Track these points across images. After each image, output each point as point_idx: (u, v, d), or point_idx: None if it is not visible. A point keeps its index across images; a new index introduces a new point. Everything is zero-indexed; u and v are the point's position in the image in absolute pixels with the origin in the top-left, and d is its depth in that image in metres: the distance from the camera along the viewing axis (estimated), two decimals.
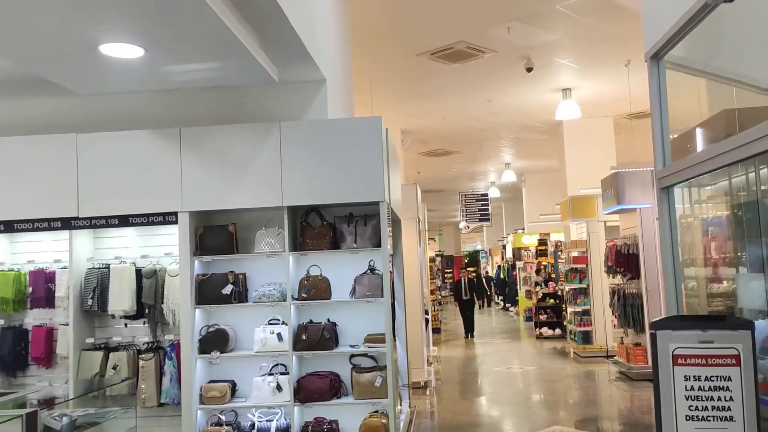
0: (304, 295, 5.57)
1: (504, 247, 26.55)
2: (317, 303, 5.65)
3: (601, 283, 11.66)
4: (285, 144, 5.55)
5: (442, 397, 9.29)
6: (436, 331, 17.13)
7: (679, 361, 2.91)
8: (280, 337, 5.51)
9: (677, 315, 3.66)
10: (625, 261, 9.62)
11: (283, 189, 5.51)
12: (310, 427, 5.45)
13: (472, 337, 16.11)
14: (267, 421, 5.47)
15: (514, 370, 11.07)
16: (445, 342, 15.25)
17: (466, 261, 40.37)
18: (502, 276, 25.72)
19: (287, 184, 5.52)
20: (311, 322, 5.67)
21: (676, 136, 4.99)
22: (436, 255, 34.62)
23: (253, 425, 5.43)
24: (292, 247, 5.62)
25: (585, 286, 12.21)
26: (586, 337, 12.14)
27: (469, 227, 21.85)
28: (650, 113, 4.43)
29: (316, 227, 5.71)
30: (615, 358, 10.38)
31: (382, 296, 5.51)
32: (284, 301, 5.56)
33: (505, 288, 25.05)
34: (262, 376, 5.54)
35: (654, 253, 9.33)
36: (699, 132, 5.83)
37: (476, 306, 17.13)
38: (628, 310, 9.69)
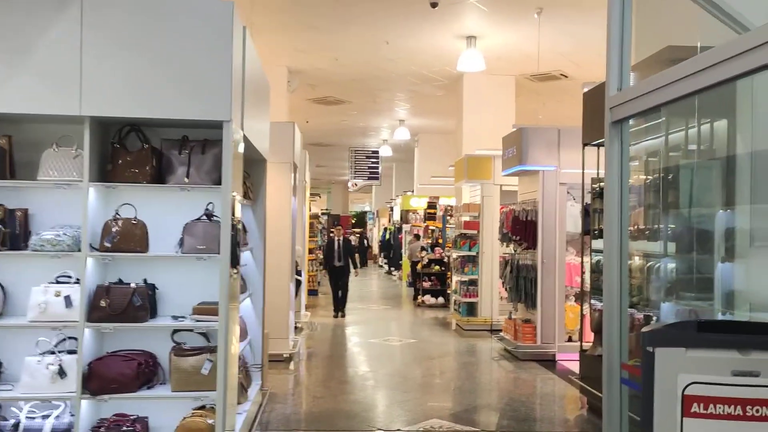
0: (108, 245, 3.98)
1: (392, 209, 25.59)
2: (128, 257, 4.08)
3: (492, 252, 10.75)
4: (89, 25, 3.86)
5: (306, 374, 7.99)
6: (313, 293, 15.82)
7: (695, 408, 1.68)
8: (68, 301, 3.91)
9: (692, 320, 2.30)
10: (522, 229, 8.66)
11: (83, 91, 3.85)
12: (103, 428, 3.92)
13: (343, 315, 12.43)
14: (42, 417, 3.89)
15: (393, 343, 9.97)
16: (324, 306, 13.94)
17: (353, 221, 39.33)
18: (387, 239, 24.79)
19: (91, 84, 3.85)
20: (119, 282, 4.09)
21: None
22: (322, 213, 33.28)
23: (17, 425, 3.82)
24: (95, 175, 4.01)
25: (474, 253, 11.27)
26: (471, 309, 11.25)
27: (357, 185, 20.60)
28: (606, 31, 3.19)
29: (133, 151, 4.11)
30: (501, 334, 9.51)
31: (220, 252, 4.02)
32: (79, 251, 3.94)
33: (390, 251, 24.16)
34: (39, 355, 3.93)
35: (554, 221, 8.42)
36: (638, 71, 4.75)
37: (352, 275, 12.94)
38: (521, 283, 8.78)
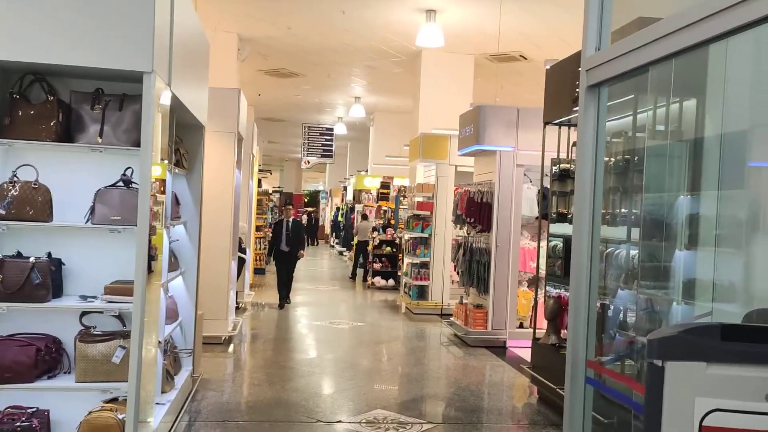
0: (2, 212, 3.43)
1: (345, 188, 25.11)
2: (28, 227, 3.54)
3: (445, 234, 10.43)
4: None
5: (245, 359, 7.52)
6: (260, 271, 15.28)
7: None
8: None
9: (714, 324, 1.77)
10: (476, 211, 8.33)
11: None
12: None
13: (284, 305, 10.87)
14: None
15: (340, 326, 9.57)
16: (272, 286, 13.37)
17: (306, 200, 38.73)
18: (339, 219, 24.33)
19: None
20: (17, 256, 3.55)
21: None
22: (274, 190, 32.55)
23: None
24: None
25: (427, 235, 10.93)
26: (422, 293, 10.93)
27: (309, 162, 20.00)
28: None
29: (36, 104, 3.55)
30: (451, 319, 9.21)
31: (137, 224, 3.52)
32: None
33: (342, 231, 23.72)
34: None
35: (510, 204, 8.12)
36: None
37: (299, 261, 11.48)
38: (473, 266, 8.47)
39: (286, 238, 10.83)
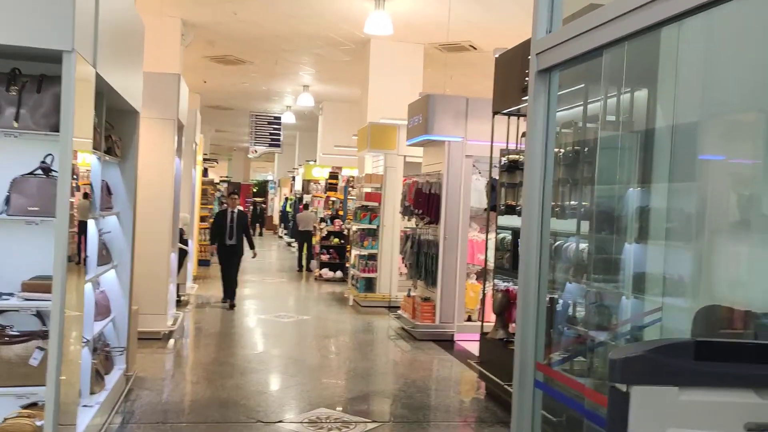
0: None
1: (294, 179, 24.74)
2: None
3: (394, 226, 10.30)
4: None
5: (185, 355, 7.23)
6: (205, 263, 14.85)
7: None
8: None
9: (686, 340, 1.48)
10: (425, 202, 8.22)
11: None
12: None
13: (232, 306, 9.93)
14: None
15: (285, 320, 9.34)
16: (216, 277, 12.99)
17: (255, 190, 38.08)
18: (288, 209, 23.97)
19: None
20: None
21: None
22: (222, 180, 31.84)
23: None
24: None
25: (375, 227, 10.79)
26: (369, 285, 10.79)
27: (257, 151, 19.58)
28: None
29: None
30: (399, 312, 9.10)
31: (56, 215, 3.24)
32: None
33: (290, 222, 23.38)
34: None
35: (458, 196, 8.04)
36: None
37: (245, 255, 10.26)
38: (421, 259, 8.37)
39: (230, 230, 9.93)
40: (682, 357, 1.28)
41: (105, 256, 5.01)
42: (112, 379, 4.97)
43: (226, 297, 10.09)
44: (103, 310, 4.99)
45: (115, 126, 4.92)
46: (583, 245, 4.85)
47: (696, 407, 1.24)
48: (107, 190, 4.91)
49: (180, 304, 9.56)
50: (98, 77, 3.73)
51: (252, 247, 10.25)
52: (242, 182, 37.42)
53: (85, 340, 4.06)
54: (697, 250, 3.86)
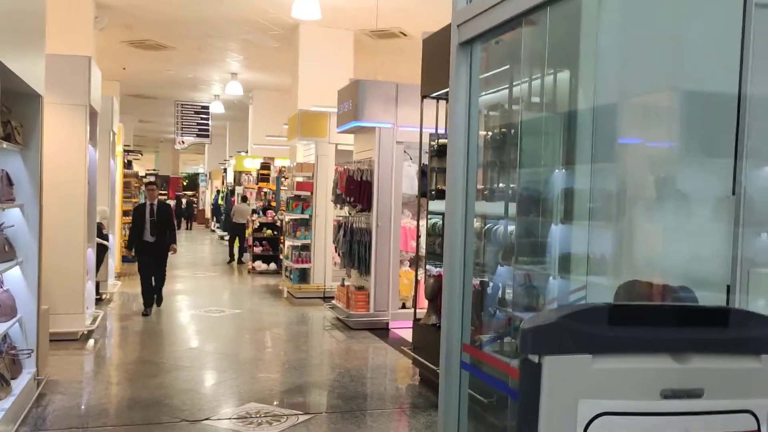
0: None
1: (225, 170, 24.16)
2: None
3: (326, 215, 10.11)
4: None
5: (105, 356, 6.85)
6: (129, 259, 14.23)
7: None
8: None
9: (600, 304, 1.26)
10: (356, 189, 8.07)
11: None
12: None
13: (150, 306, 8.82)
14: None
15: (215, 315, 9.02)
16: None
17: (185, 183, 37.06)
18: (220, 202, 23.39)
19: None
20: None
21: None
22: (148, 173, 30.77)
23: None
24: None
25: (308, 216, 10.57)
26: (303, 276, 10.57)
27: (184, 142, 18.95)
28: None
29: None
30: (333, 302, 8.95)
31: None
32: None
33: (222, 215, 22.83)
34: None
35: (390, 182, 7.93)
36: None
37: (170, 254, 9.13)
38: (354, 247, 8.23)
39: (150, 225, 8.65)
40: (595, 323, 1.19)
41: (8, 252, 4.65)
42: (20, 383, 4.62)
43: (148, 306, 8.75)
44: (7, 310, 4.64)
45: (13, 110, 4.54)
46: (512, 228, 4.82)
47: (611, 375, 1.16)
48: (7, 180, 4.54)
49: (101, 302, 9.10)
50: None
51: (172, 241, 8.91)
52: (171, 175, 36.34)
53: None
54: (618, 229, 3.88)
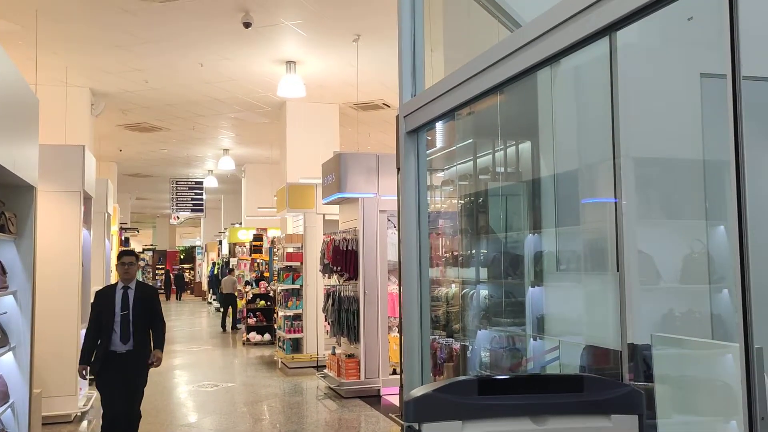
0: None
1: (220, 242, 24.41)
2: None
3: (317, 284, 10.29)
4: None
5: None
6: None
7: None
8: None
9: (471, 378, 1.50)
10: (342, 259, 8.29)
11: None
12: None
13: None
14: None
15: (208, 389, 9.07)
16: None
17: (182, 257, 37.25)
18: (216, 273, 23.53)
19: None
20: None
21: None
22: (146, 249, 30.96)
23: None
24: None
25: (299, 286, 10.75)
26: (296, 345, 10.67)
27: (179, 218, 19.26)
28: (397, 34, 2.87)
29: None
30: (325, 371, 9.02)
31: None
32: None
33: (218, 287, 22.90)
34: None
35: (375, 251, 8.16)
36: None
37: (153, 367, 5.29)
38: (343, 315, 8.38)
39: (122, 324, 5.06)
40: (466, 393, 1.40)
41: (1, 339, 4.81)
42: None
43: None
44: (0, 396, 4.76)
45: (7, 202, 4.81)
46: (486, 292, 5.02)
47: None
48: (1, 269, 4.75)
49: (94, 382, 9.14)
50: None
51: (157, 346, 5.24)
52: (168, 249, 36.60)
53: None
54: (584, 289, 4.08)
